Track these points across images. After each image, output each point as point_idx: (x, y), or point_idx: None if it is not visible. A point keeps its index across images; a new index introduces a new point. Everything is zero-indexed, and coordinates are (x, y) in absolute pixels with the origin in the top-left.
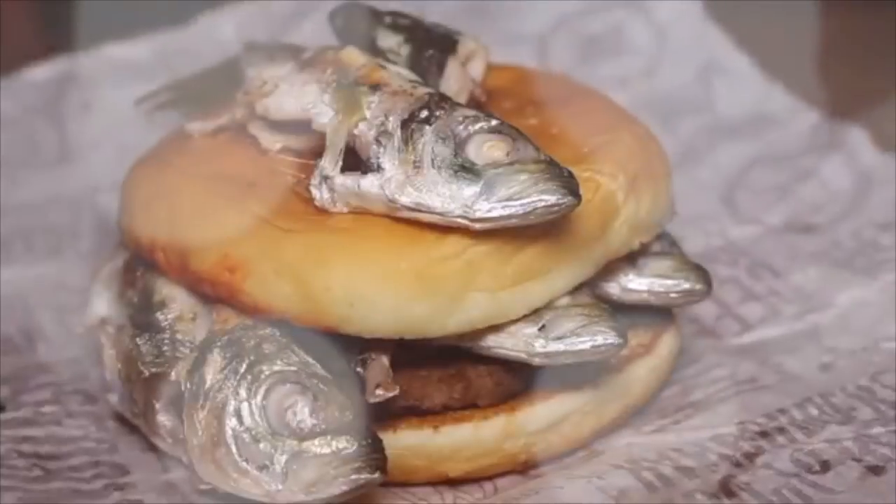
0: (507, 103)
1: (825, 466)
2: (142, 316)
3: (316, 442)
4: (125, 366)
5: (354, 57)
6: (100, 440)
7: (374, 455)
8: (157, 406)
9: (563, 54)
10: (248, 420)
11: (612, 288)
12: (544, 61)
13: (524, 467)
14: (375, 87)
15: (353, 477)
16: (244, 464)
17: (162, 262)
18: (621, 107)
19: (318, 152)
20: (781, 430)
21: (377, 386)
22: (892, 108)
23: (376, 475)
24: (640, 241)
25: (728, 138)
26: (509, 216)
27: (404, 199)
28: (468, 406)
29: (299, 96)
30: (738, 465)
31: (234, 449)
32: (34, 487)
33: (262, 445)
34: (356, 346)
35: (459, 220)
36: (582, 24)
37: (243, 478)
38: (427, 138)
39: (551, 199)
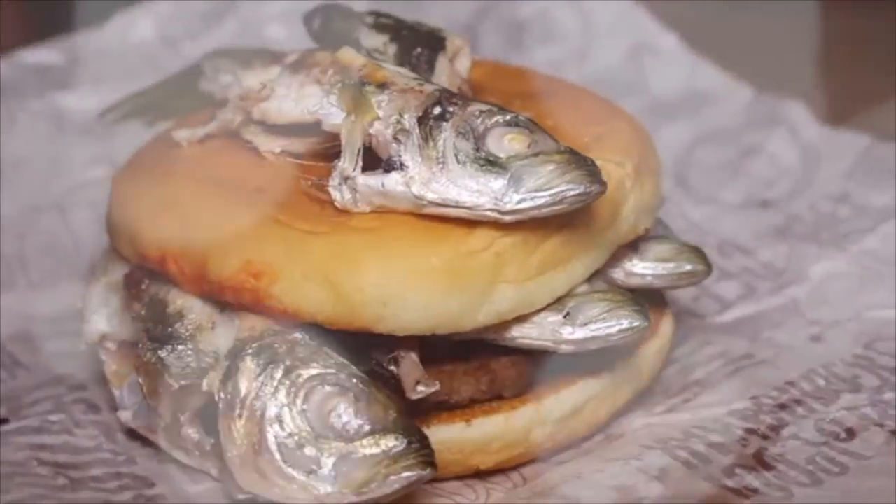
0: (493, 98)
1: (850, 433)
2: (158, 329)
3: (364, 442)
4: (148, 380)
5: (353, 57)
6: (114, 452)
7: (424, 451)
8: (184, 418)
9: (492, 42)
10: (290, 425)
11: (617, 273)
12: (475, 50)
13: (548, 454)
14: (382, 86)
15: (406, 475)
16: (290, 470)
17: (175, 273)
18: (602, 96)
19: (318, 154)
20: (798, 401)
21: (417, 382)
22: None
23: (428, 471)
24: (644, 227)
25: (668, 118)
26: (540, 206)
27: (431, 196)
28: (493, 398)
29: (300, 99)
30: (765, 437)
31: (277, 456)
32: (64, 496)
33: (307, 450)
34: (384, 346)
35: (490, 213)
36: (509, 10)
37: (289, 484)
38: (447, 134)
39: (579, 188)
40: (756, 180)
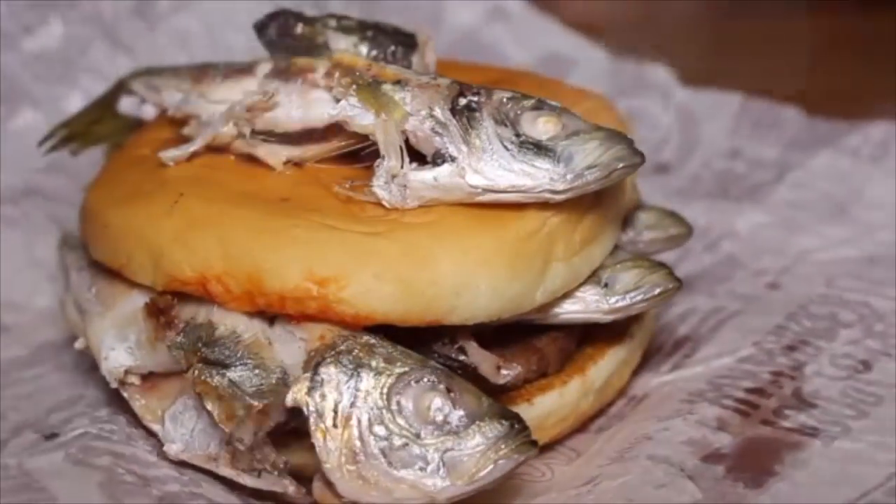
0: None
1: (866, 365)
2: (215, 352)
3: (469, 432)
4: (222, 405)
5: (354, 58)
6: (177, 469)
7: (525, 431)
8: (260, 438)
9: None
10: (390, 427)
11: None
12: None
13: (586, 424)
14: (398, 84)
15: (516, 457)
16: (397, 472)
17: (219, 293)
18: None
19: (327, 158)
20: (803, 342)
21: (498, 367)
22: None
23: (533, 450)
24: (636, 196)
25: None
26: (592, 182)
27: (485, 183)
28: (541, 376)
29: (306, 105)
30: (792, 378)
31: (382, 459)
32: None
33: (412, 448)
34: (442, 338)
35: (546, 194)
36: None
37: (399, 485)
38: (487, 123)
39: (625, 161)
40: (643, 145)
